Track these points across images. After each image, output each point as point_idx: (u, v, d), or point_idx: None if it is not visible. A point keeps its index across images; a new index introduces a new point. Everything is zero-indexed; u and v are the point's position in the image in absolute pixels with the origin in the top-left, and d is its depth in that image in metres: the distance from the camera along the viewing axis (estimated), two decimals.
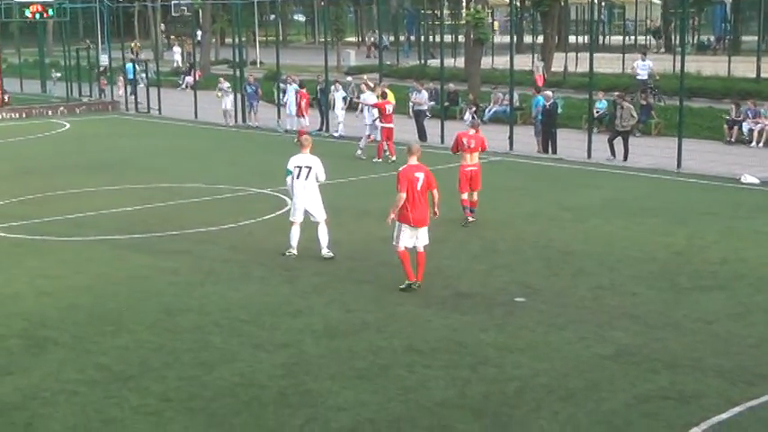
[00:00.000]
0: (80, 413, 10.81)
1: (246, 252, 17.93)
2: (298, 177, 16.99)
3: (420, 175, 14.89)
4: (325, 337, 13.23)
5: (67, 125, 40.66)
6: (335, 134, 34.59)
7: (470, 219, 19.72)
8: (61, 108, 45.20)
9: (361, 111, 32.48)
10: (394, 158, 27.33)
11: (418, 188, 14.79)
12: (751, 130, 31.83)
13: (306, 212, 17.19)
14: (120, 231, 19.83)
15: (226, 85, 38.50)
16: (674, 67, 42.46)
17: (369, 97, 30.49)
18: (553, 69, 50.27)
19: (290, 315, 14.22)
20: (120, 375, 11.89)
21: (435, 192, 15.29)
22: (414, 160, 15.11)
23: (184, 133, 37.28)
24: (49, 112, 44.45)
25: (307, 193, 17.04)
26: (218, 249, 18.22)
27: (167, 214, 21.53)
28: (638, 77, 41.29)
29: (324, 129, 36.03)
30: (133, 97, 45.90)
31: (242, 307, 14.61)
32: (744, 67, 46.42)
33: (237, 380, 11.69)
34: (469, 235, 19.07)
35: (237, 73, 41.61)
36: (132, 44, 62.23)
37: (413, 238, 14.97)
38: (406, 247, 14.97)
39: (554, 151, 29.46)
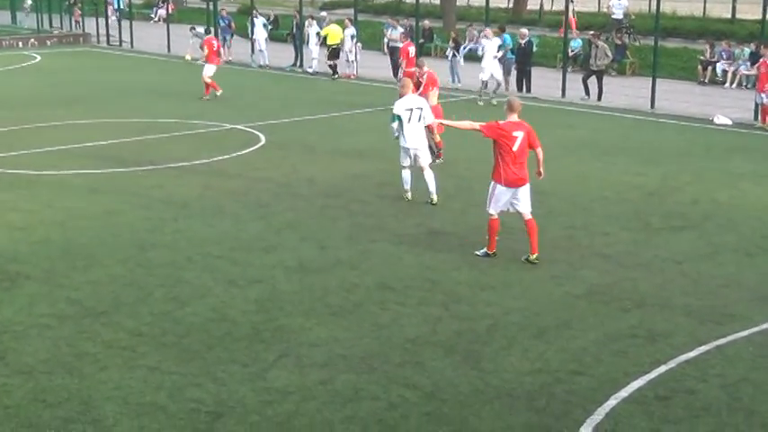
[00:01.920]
0: (52, 347, 10.80)
1: (220, 188, 17.86)
2: (409, 121, 16.29)
3: (519, 134, 13.35)
4: (299, 273, 13.25)
5: (38, 57, 40.18)
6: (309, 69, 34.36)
7: (440, 160, 19.37)
8: (32, 40, 44.68)
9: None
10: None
11: (515, 148, 13.26)
12: (725, 72, 31.95)
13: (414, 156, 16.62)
14: (93, 166, 19.71)
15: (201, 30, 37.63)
16: (649, 6, 42.39)
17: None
18: (528, 7, 50.12)
19: (264, 251, 14.22)
20: (92, 310, 11.89)
21: (539, 150, 13.73)
22: (514, 117, 13.55)
23: (157, 67, 36.94)
24: (20, 44, 43.94)
25: (418, 136, 16.49)
26: (192, 185, 18.14)
27: (141, 149, 21.42)
28: (614, 17, 41.17)
29: (298, 64, 35.77)
30: (127, 29, 44.33)
31: (215, 243, 14.60)
32: (719, 8, 46.43)
33: (210, 315, 11.71)
34: (444, 174, 19.04)
35: (210, 6, 41.17)
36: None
37: (508, 203, 13.50)
38: (499, 213, 13.59)
39: (528, 90, 29.43)
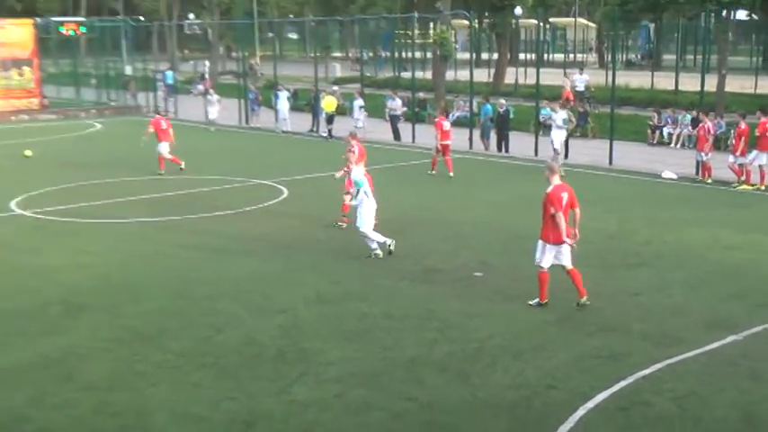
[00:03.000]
0: (111, 366, 10.85)
1: (251, 233, 17.92)
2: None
3: (564, 195, 12.76)
4: (317, 304, 13.29)
5: (98, 126, 40.44)
6: (324, 134, 34.56)
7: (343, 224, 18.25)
8: (92, 111, 44.96)
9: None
10: (451, 174, 24.59)
11: (560, 210, 12.68)
12: (670, 134, 32.16)
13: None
14: (144, 215, 19.81)
15: (215, 97, 38.22)
16: (606, 80, 42.74)
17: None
18: (506, 81, 50.45)
19: (287, 285, 14.26)
20: (144, 336, 11.93)
21: (578, 210, 12.94)
22: (557, 179, 12.96)
23: (197, 133, 37.14)
24: (82, 114, 44.21)
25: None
26: (228, 230, 18.22)
27: (184, 201, 21.51)
28: (577, 89, 41.53)
29: (315, 130, 35.99)
30: (173, 101, 44.63)
31: (246, 279, 14.65)
32: (665, 82, 46.80)
33: (242, 339, 11.74)
34: (437, 220, 19.14)
35: (241, 82, 41.49)
36: (252, 60, 60.85)
37: (554, 258, 12.81)
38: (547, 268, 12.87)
39: (506, 150, 29.62)
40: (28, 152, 27.87)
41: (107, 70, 49.83)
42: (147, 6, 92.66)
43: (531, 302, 12.96)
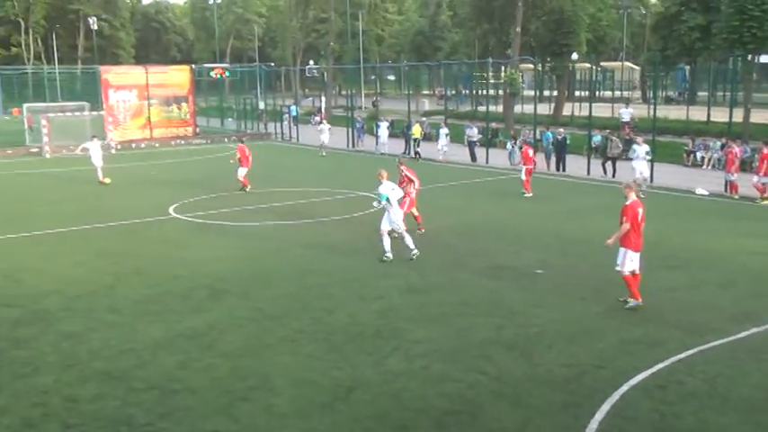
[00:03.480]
0: (244, 339, 10.99)
1: (354, 234, 17.98)
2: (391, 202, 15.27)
3: (640, 210, 12.18)
4: (407, 292, 13.21)
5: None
6: (414, 156, 34.46)
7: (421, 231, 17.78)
8: (233, 137, 45.97)
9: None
10: (530, 194, 23.38)
11: (639, 220, 12.13)
12: (702, 157, 30.94)
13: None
14: (270, 219, 20.08)
15: (326, 126, 37.93)
16: (648, 113, 41.42)
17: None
18: (563, 113, 49.48)
19: (383, 277, 14.22)
20: (270, 315, 12.05)
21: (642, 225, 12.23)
22: (634, 195, 12.35)
23: (313, 155, 37.61)
24: (225, 139, 45.23)
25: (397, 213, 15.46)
26: (336, 232, 18.32)
27: (301, 209, 21.72)
28: (623, 119, 40.37)
29: (407, 152, 35.92)
30: (295, 129, 45.24)
31: (351, 270, 14.68)
32: (698, 114, 45.10)
33: (347, 320, 11.75)
34: (504, 227, 18.83)
35: (349, 114, 41.81)
36: (374, 99, 61.58)
37: (635, 262, 12.16)
38: (631, 272, 12.16)
39: (563, 170, 28.97)
40: (107, 180, 26.92)
41: (245, 105, 50.95)
42: (278, 55, 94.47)
43: (629, 305, 12.04)
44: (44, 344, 10.89)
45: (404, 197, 16.81)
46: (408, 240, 15.37)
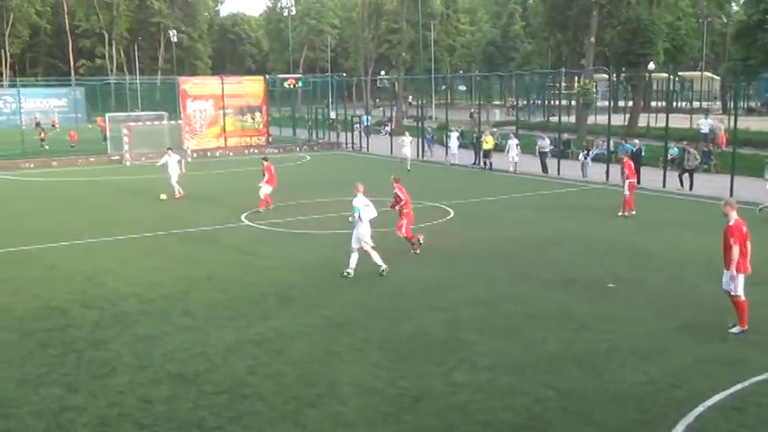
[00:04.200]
0: (311, 347, 11.09)
1: (423, 244, 17.90)
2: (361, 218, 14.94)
3: (744, 228, 11.45)
4: (474, 304, 13.09)
5: (308, 157, 41.88)
6: (483, 166, 34.20)
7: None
8: (305, 146, 46.66)
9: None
10: (633, 212, 21.51)
11: (747, 241, 11.39)
12: None
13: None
14: (340, 228, 20.19)
15: (408, 139, 36.05)
16: (728, 124, 40.02)
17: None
18: (639, 125, 48.38)
19: (450, 288, 14.13)
20: (337, 323, 12.13)
21: (748, 243, 11.50)
22: (736, 214, 11.52)
23: (382, 164, 37.78)
24: (297, 149, 45.93)
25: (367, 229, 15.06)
26: (404, 241, 18.22)
27: (374, 217, 21.74)
28: (701, 131, 39.16)
29: (477, 163, 35.72)
30: (366, 139, 45.49)
31: (419, 281, 14.63)
32: None
33: (414, 330, 11.72)
34: (575, 239, 18.48)
35: (419, 124, 41.87)
36: (473, 110, 59.77)
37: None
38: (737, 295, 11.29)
39: (638, 182, 28.19)
40: (163, 196, 25.42)
41: (316, 114, 51.62)
42: (349, 65, 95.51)
43: (732, 330, 11.29)
44: (121, 345, 11.24)
45: (401, 217, 16.82)
46: (376, 257, 14.84)
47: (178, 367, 10.32)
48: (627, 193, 21.56)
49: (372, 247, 14.97)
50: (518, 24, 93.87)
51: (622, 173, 22.28)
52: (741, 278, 11.33)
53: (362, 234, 14.87)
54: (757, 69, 49.85)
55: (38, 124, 66.08)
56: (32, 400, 9.36)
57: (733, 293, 11.35)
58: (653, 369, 10.01)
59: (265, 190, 22.94)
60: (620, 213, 21.37)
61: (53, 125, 60.08)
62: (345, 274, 14.67)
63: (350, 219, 15.21)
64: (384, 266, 14.86)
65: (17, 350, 11.16)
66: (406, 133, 36.85)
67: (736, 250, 11.18)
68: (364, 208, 14.79)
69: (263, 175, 22.94)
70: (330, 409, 8.96)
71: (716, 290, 13.36)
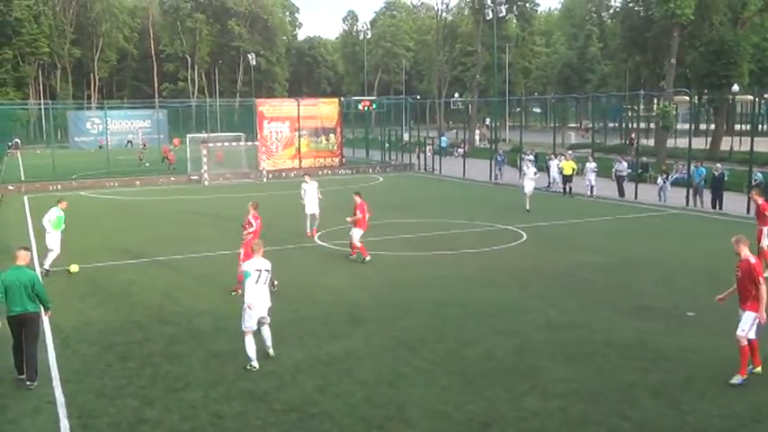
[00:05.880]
0: (379, 367, 11.08)
1: (493, 267, 17.77)
2: (257, 282, 11.08)
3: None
4: (546, 329, 12.86)
5: (381, 179, 42.13)
6: (553, 189, 33.64)
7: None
8: (378, 167, 46.97)
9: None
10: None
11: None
12: None
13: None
14: (407, 250, 20.26)
15: (532, 171, 29.67)
16: None
17: None
18: (721, 148, 46.85)
19: (521, 311, 13.94)
20: (406, 344, 12.09)
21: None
22: (747, 250, 10.46)
23: (454, 186, 37.68)
24: (370, 170, 46.28)
25: (263, 298, 11.20)
26: (475, 264, 18.17)
27: (440, 240, 21.75)
28: None
29: (549, 186, 35.23)
30: (438, 160, 44.73)
31: (488, 304, 14.49)
32: None
33: (483, 354, 11.58)
34: (652, 264, 17.95)
35: (493, 146, 41.60)
36: (631, 136, 56.94)
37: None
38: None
39: (720, 208, 27.31)
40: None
41: (389, 136, 51.97)
42: (423, 87, 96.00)
43: (733, 381, 10.13)
44: (195, 360, 11.49)
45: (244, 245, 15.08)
46: (267, 334, 11.42)
47: (249, 384, 10.46)
48: (765, 244, 16.32)
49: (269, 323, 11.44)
50: (595, 46, 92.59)
51: (758, 214, 17.15)
52: (754, 319, 10.14)
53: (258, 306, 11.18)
54: None
55: (129, 143, 69.43)
56: (110, 412, 9.65)
57: (743, 335, 10.11)
58: (734, 402, 9.58)
59: (356, 235, 18.82)
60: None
61: (143, 145, 62.49)
62: (249, 368, 11.00)
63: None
64: (271, 350, 11.45)
65: (97, 362, 11.54)
66: (528, 157, 30.94)
67: (763, 290, 9.96)
68: (256, 274, 11.10)
69: (354, 212, 18.95)
70: (398, 431, 8.91)
71: None
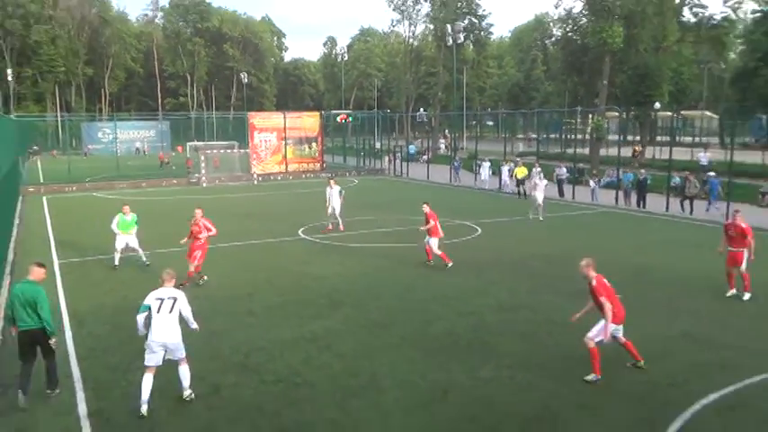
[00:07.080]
0: (356, 343, 11.11)
1: (453, 257, 17.79)
2: (159, 311, 8.69)
3: (606, 282, 9.97)
4: (497, 310, 13.00)
5: (356, 181, 42.06)
6: (507, 191, 33.85)
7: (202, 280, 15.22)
8: (353, 172, 46.86)
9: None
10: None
11: (614, 292, 9.76)
12: None
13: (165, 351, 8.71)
14: (383, 242, 20.28)
15: (543, 183, 26.38)
16: (725, 157, 39.05)
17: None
18: (646, 157, 47.51)
19: (477, 295, 14.06)
20: (378, 324, 12.15)
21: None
22: (593, 271, 9.96)
23: (420, 188, 37.71)
24: (347, 174, 46.15)
25: (169, 328, 8.70)
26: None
27: (410, 234, 21.76)
28: (701, 163, 38.33)
29: (500, 188, 35.39)
30: (406, 166, 44.71)
31: (449, 288, 14.58)
32: None
33: (444, 331, 11.68)
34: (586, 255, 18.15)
35: (452, 154, 41.67)
36: (529, 139, 58.04)
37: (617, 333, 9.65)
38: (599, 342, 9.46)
39: (644, 206, 27.78)
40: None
41: (364, 145, 51.92)
42: (393, 103, 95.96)
43: (587, 378, 9.39)
44: (195, 338, 11.37)
45: (197, 248, 14.87)
46: (183, 374, 8.95)
47: (242, 359, 10.44)
48: (743, 268, 13.70)
49: (185, 358, 9.01)
50: (539, 69, 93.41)
51: (736, 237, 13.95)
52: (612, 327, 9.46)
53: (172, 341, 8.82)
54: (752, 110, 48.79)
55: (137, 150, 68.45)
56: (121, 384, 9.57)
57: (597, 341, 9.42)
58: (654, 370, 9.80)
59: (434, 244, 16.81)
60: (729, 293, 13.98)
61: (144, 152, 61.82)
62: (142, 414, 8.58)
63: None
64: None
65: (109, 341, 11.42)
66: (540, 175, 26.85)
67: (608, 308, 9.36)
68: (155, 302, 8.81)
69: (426, 221, 16.96)
70: (372, 398, 8.97)
71: (711, 299, 13.10)
